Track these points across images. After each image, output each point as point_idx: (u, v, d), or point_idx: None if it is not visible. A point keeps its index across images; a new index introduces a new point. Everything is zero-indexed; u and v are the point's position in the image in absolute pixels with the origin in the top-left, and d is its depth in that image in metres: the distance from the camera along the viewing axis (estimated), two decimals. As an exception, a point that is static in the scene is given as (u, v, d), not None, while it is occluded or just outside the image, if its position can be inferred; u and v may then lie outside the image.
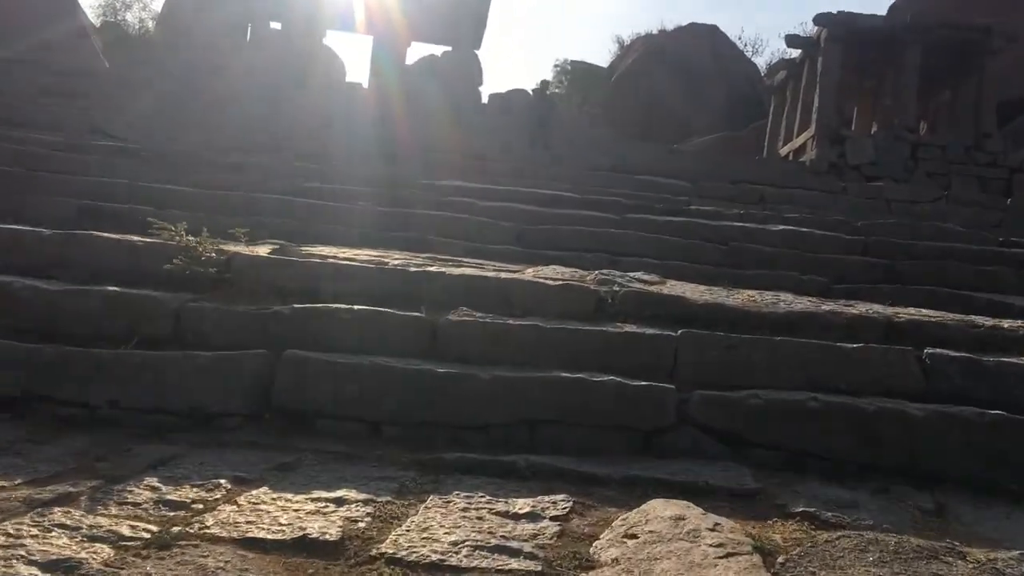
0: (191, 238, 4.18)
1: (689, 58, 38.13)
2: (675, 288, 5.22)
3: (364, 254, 6.05)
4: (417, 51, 35.80)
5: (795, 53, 23.59)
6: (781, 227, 8.62)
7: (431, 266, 5.19)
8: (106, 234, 4.36)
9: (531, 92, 17.03)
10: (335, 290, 4.22)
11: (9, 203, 7.44)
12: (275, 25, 34.33)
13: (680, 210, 9.19)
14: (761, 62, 42.25)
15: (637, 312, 4.33)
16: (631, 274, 6.20)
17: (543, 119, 15.87)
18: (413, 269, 4.65)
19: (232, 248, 4.57)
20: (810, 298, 5.98)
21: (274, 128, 13.90)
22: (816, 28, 21.07)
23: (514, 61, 74.44)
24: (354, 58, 72.36)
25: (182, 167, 9.03)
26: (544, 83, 17.21)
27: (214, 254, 4.16)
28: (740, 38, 43.01)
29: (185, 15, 33.40)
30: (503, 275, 4.45)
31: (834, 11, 20.00)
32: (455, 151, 13.36)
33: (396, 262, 5.74)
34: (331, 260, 4.48)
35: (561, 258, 7.40)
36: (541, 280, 4.35)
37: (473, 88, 34.40)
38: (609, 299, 4.42)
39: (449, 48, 36.69)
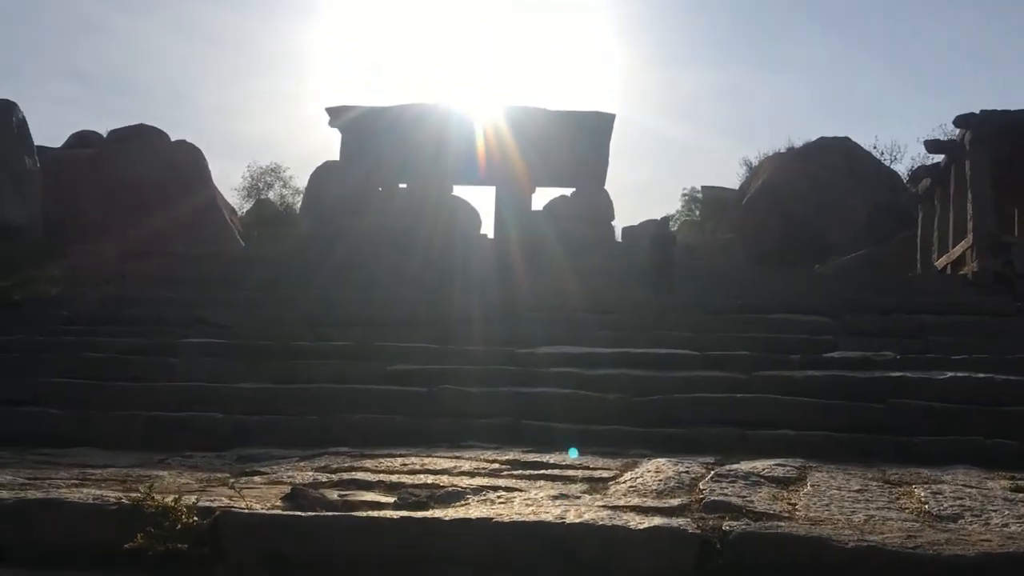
0: (167, 499, 3.28)
1: (822, 173, 36.53)
2: (817, 501, 3.91)
3: (430, 461, 5.06)
4: (545, 196, 35.86)
5: (937, 157, 21.90)
6: (950, 374, 7.08)
7: (493, 486, 4.12)
8: (74, 496, 3.55)
9: (650, 239, 16.03)
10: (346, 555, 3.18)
11: (70, 427, 6.94)
12: (402, 186, 35.34)
13: (822, 359, 7.80)
14: (901, 169, 40.04)
15: (756, 568, 3.08)
16: (760, 466, 4.91)
17: (661, 265, 14.80)
18: (432, 515, 3.57)
19: (226, 498, 3.65)
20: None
21: (388, 293, 13.47)
22: (959, 131, 19.42)
23: (646, 190, 74.45)
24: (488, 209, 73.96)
25: (263, 356, 8.44)
26: (664, 220, 16.24)
27: (196, 518, 3.22)
28: (875, 147, 41.00)
29: (319, 188, 34.95)
30: (570, 515, 3.32)
31: (975, 111, 18.37)
32: (573, 302, 12.47)
33: (464, 469, 4.71)
34: (342, 515, 3.40)
35: (675, 441, 6.19)
36: (621, 524, 3.20)
37: (601, 226, 33.94)
38: (717, 543, 3.19)
39: (569, 191, 36.71)
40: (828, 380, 7.07)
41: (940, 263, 20.45)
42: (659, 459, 5.29)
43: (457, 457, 5.31)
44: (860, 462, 5.79)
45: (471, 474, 4.68)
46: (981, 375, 7.00)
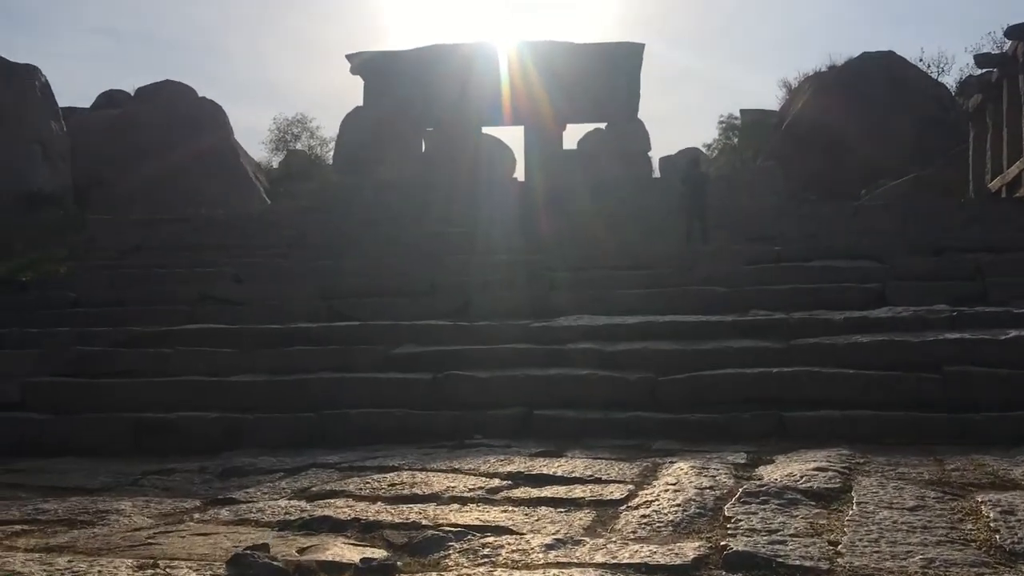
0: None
1: (866, 91, 34.86)
2: (863, 536, 3.25)
3: (423, 479, 4.48)
4: (577, 132, 34.96)
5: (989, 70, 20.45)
6: (1014, 332, 6.29)
7: (483, 525, 3.52)
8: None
9: (680, 179, 15.11)
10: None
11: (56, 432, 6.51)
12: (429, 129, 34.55)
13: (869, 320, 7.01)
14: (949, 81, 38.06)
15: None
16: (798, 471, 4.25)
17: (693, 210, 13.91)
18: None
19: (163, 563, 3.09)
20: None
21: (405, 258, 12.86)
22: (1011, 43, 18.02)
23: (684, 118, 72.49)
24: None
25: (265, 342, 7.91)
26: (694, 158, 15.29)
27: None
28: (921, 59, 38.95)
29: (347, 137, 34.34)
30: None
31: (1031, 19, 16.98)
32: (601, 257, 11.77)
33: (457, 491, 4.13)
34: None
35: (704, 429, 5.55)
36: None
37: (637, 161, 32.85)
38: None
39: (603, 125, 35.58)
40: (875, 346, 6.32)
41: (994, 185, 19.24)
42: (682, 463, 4.65)
43: (455, 471, 4.72)
44: (915, 449, 5.10)
45: (463, 501, 4.08)
46: (1048, 333, 6.20)
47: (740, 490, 3.96)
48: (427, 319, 8.83)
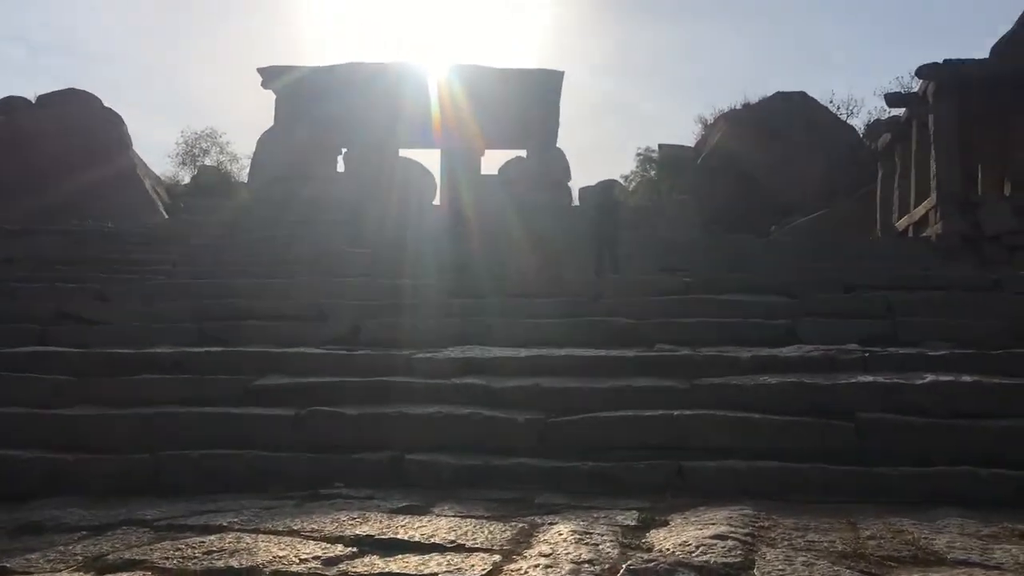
0: None
1: (779, 129, 35.45)
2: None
3: (250, 543, 3.69)
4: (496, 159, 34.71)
5: (897, 111, 20.75)
6: (930, 377, 5.83)
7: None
8: None
9: (593, 207, 14.66)
10: None
11: None
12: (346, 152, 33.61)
13: (778, 358, 6.49)
14: (858, 124, 39.01)
15: None
16: (694, 540, 3.61)
17: (604, 238, 13.42)
18: None
19: None
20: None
21: (300, 278, 11.98)
22: (921, 82, 18.24)
23: (604, 151, 73.01)
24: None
25: (114, 369, 6.96)
26: (607, 184, 14.85)
27: None
28: (831, 101, 39.84)
29: (259, 155, 33.10)
30: None
31: (939, 60, 17.16)
32: (501, 284, 11.14)
33: (283, 566, 3.35)
34: None
35: (594, 481, 4.89)
36: None
37: (556, 188, 32.50)
38: None
39: (523, 153, 35.22)
40: (784, 389, 5.78)
41: (901, 224, 19.41)
42: (563, 526, 3.97)
43: (293, 533, 3.93)
44: (826, 509, 4.52)
45: (288, 577, 3.31)
46: (967, 378, 5.75)
47: (624, 567, 3.30)
48: (307, 346, 8.04)
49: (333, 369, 6.68)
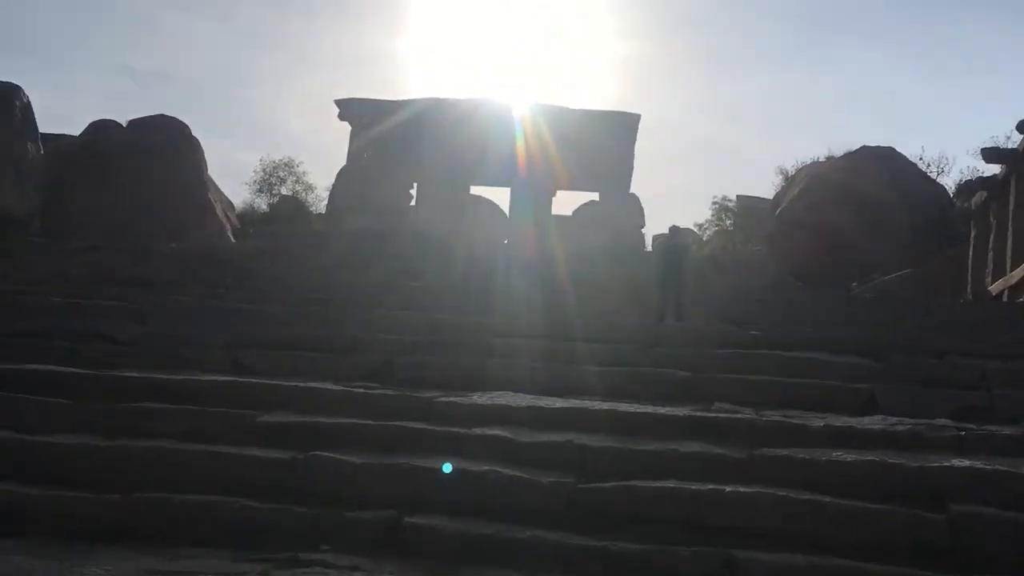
0: None
1: (863, 184, 34.00)
2: None
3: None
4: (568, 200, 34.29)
5: (991, 168, 19.44)
6: (1039, 463, 4.86)
7: None
8: None
9: (659, 252, 13.84)
10: None
11: None
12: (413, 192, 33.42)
13: (856, 431, 5.56)
14: (948, 183, 37.30)
15: None
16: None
17: (670, 283, 12.56)
18: None
19: None
20: None
21: (343, 302, 11.47)
22: (1021, 138, 16.98)
23: (681, 196, 71.92)
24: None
25: (117, 394, 6.41)
26: (675, 229, 14.01)
27: None
28: (921, 158, 38.17)
29: (339, 189, 33.23)
30: None
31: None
32: (560, 328, 10.39)
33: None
34: None
35: (627, 565, 4.08)
36: None
37: (627, 233, 31.72)
38: None
39: (596, 196, 34.59)
40: (862, 469, 4.87)
41: (995, 288, 18.00)
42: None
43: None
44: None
45: None
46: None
47: None
48: (330, 381, 7.43)
49: (345, 409, 6.01)
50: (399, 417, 5.84)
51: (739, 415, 5.89)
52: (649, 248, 30.36)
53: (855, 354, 9.09)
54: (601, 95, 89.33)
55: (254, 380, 6.57)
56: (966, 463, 4.88)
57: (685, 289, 12.76)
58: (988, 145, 20.21)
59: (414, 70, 73.64)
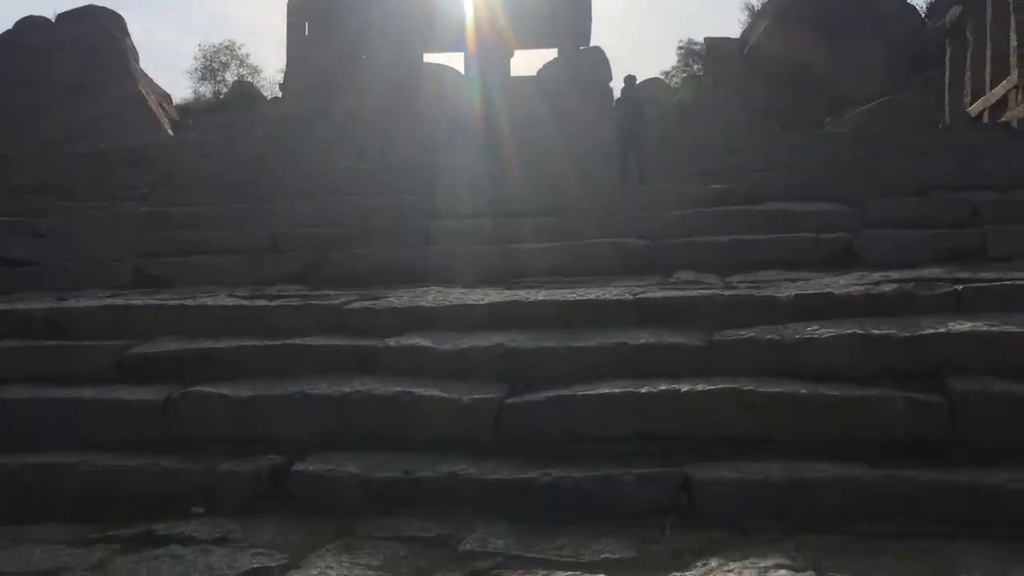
0: None
1: (832, 13, 32.41)
2: None
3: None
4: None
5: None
6: (1053, 320, 4.04)
7: None
8: None
9: (618, 107, 12.69)
10: None
11: None
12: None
13: (831, 299, 4.70)
14: (920, 3, 35.66)
15: None
16: None
17: (628, 141, 11.54)
18: None
19: None
20: None
21: (270, 195, 10.43)
22: (1001, -60, 15.63)
23: (650, 48, 69.40)
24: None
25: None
26: (630, 80, 12.82)
27: None
28: (890, -22, 36.34)
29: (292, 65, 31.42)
30: None
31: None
32: (511, 196, 9.45)
33: None
34: None
35: (559, 506, 3.31)
36: None
37: (592, 90, 30.32)
38: None
39: (555, 52, 32.93)
40: (842, 346, 4.04)
41: (975, 108, 17.04)
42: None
43: None
44: (913, 549, 2.89)
45: None
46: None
47: None
48: (248, 286, 6.58)
49: (239, 327, 5.11)
50: (302, 333, 4.95)
51: (697, 291, 5.03)
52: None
53: (829, 200, 8.25)
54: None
55: (136, 301, 5.61)
56: (966, 326, 4.06)
57: (644, 145, 11.76)
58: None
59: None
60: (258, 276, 7.40)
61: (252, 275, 7.43)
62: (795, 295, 4.68)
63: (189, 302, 5.44)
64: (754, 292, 4.83)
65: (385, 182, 11.44)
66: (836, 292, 4.67)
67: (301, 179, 12.08)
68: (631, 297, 4.90)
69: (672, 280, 6.24)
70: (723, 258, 6.99)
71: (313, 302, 5.32)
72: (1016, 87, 14.58)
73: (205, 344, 4.84)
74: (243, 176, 13.02)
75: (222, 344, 4.80)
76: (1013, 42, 14.75)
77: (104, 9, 30.71)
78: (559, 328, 4.74)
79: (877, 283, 4.95)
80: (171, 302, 5.49)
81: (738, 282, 5.90)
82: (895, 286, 4.71)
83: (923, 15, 33.76)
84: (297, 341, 4.76)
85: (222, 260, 7.83)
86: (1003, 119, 14.94)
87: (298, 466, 3.71)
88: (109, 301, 5.80)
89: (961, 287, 4.58)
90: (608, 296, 4.97)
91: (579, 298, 4.98)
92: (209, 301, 5.53)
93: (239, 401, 4.17)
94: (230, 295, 5.90)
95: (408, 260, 7.37)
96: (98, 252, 8.27)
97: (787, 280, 5.74)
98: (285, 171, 13.02)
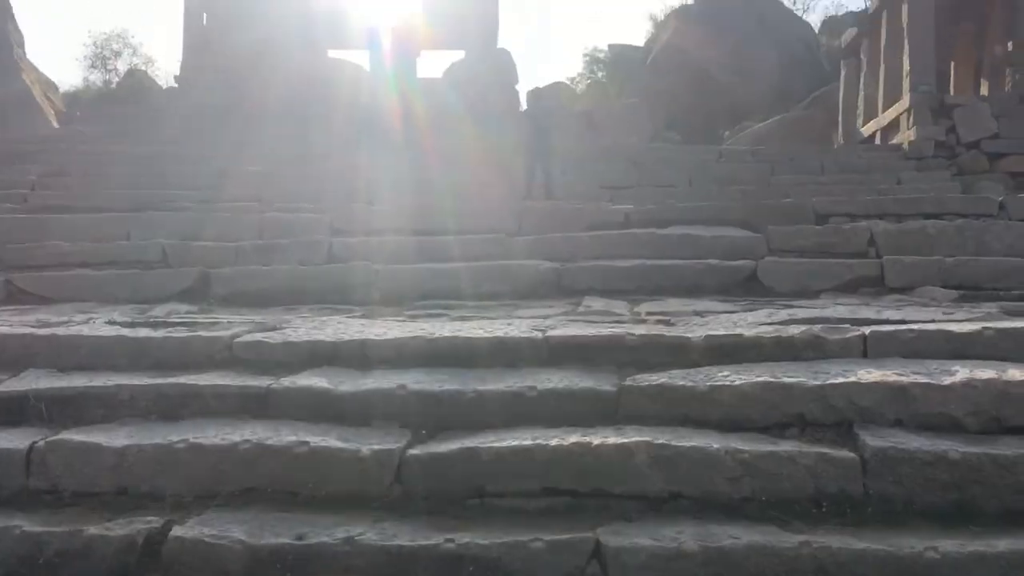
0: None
1: (731, 26, 33.25)
2: None
3: None
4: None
5: (858, 3, 18.75)
6: (960, 371, 4.05)
7: None
8: None
9: (526, 118, 12.57)
10: None
11: None
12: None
13: (740, 342, 4.62)
14: (814, 20, 36.99)
15: None
16: None
17: (536, 154, 11.45)
18: None
19: None
20: None
21: (163, 199, 9.87)
22: (894, -32, 16.17)
23: (555, 51, 69.76)
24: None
25: None
26: (535, 93, 12.73)
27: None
28: (786, -5, 37.58)
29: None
30: None
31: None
32: (416, 210, 9.18)
33: None
34: None
35: (458, 569, 3.10)
36: None
37: (504, 90, 30.11)
38: None
39: (462, 53, 32.63)
40: (753, 395, 3.97)
41: (868, 130, 17.63)
42: None
43: None
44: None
45: None
46: (1013, 371, 4.00)
47: None
48: (129, 304, 6.17)
49: (117, 361, 4.71)
50: (188, 368, 4.60)
51: (608, 328, 4.89)
52: (524, 106, 29.01)
53: (732, 224, 8.31)
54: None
55: (1, 328, 5.13)
56: (875, 375, 4.03)
57: (552, 158, 11.68)
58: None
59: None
60: (144, 294, 6.97)
61: (138, 293, 7.00)
62: (706, 336, 4.59)
63: (61, 331, 4.99)
64: (664, 332, 4.73)
65: (291, 189, 11.03)
66: (746, 334, 4.60)
67: (200, 182, 11.52)
68: (540, 335, 4.73)
69: (581, 309, 6.12)
70: (630, 283, 6.95)
71: (202, 333, 4.95)
72: (907, 110, 15.13)
73: (78, 381, 4.43)
74: (135, 178, 12.36)
75: (97, 382, 4.40)
76: (906, 67, 15.28)
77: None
78: (465, 367, 4.54)
79: (785, 323, 4.93)
80: (41, 330, 5.03)
81: (647, 313, 5.83)
82: (803, 327, 4.68)
83: (816, 31, 34.97)
84: (182, 380, 4.40)
85: (106, 274, 7.35)
86: (894, 141, 15.48)
87: (177, 531, 3.39)
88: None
89: (868, 331, 4.57)
90: (517, 333, 4.78)
91: (487, 335, 4.78)
92: (85, 329, 5.10)
93: (113, 451, 3.81)
94: (109, 322, 5.46)
95: (307, 280, 7.05)
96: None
97: (695, 312, 5.69)
98: (180, 174, 12.42)
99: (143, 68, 40.09)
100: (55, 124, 23.29)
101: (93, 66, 39.93)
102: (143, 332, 5.05)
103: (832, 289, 6.79)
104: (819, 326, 4.70)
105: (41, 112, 23.19)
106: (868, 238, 7.62)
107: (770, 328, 4.74)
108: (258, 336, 4.93)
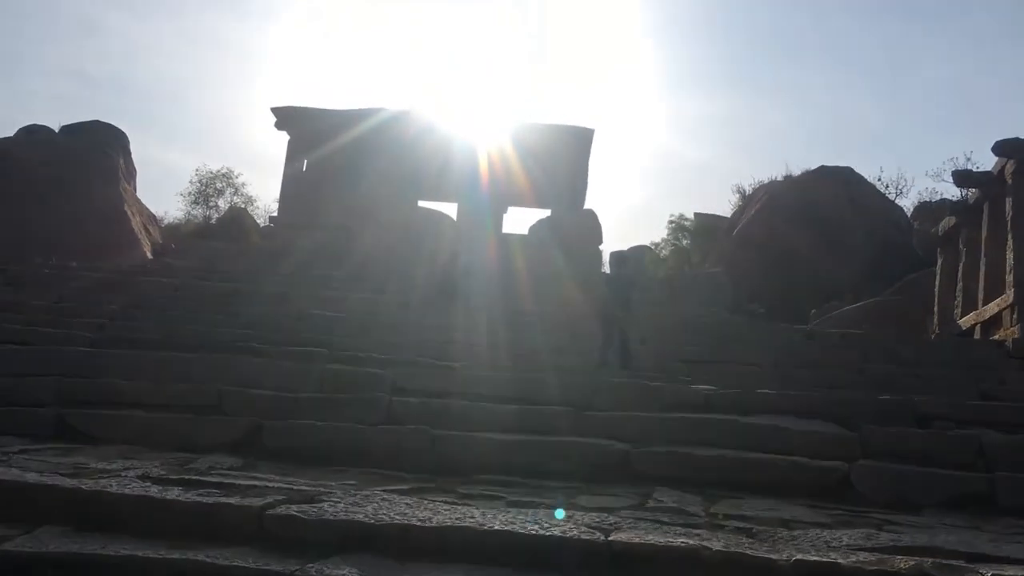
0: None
1: (821, 205, 33.10)
2: None
3: None
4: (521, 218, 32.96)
5: (951, 190, 18.35)
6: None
7: None
8: None
9: (606, 283, 12.32)
10: None
11: None
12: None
13: (834, 569, 3.98)
14: (907, 204, 36.59)
15: None
16: None
17: (615, 321, 11.07)
18: None
19: None
20: None
21: (230, 340, 9.75)
22: (997, 160, 15.78)
23: (642, 214, 70.96)
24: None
25: None
26: (620, 257, 12.49)
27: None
28: (879, 179, 37.48)
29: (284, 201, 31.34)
30: None
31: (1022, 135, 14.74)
32: (486, 372, 8.81)
33: None
34: None
35: None
36: None
37: (580, 252, 30.22)
38: None
39: (548, 212, 33.11)
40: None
41: (966, 322, 16.79)
42: None
43: None
44: None
45: None
46: None
47: None
48: (177, 451, 5.83)
49: (138, 525, 4.31)
50: (212, 539, 4.16)
51: (681, 537, 4.30)
52: (606, 268, 28.94)
53: (823, 418, 7.64)
54: (559, 111, 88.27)
55: (28, 477, 4.82)
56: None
57: (631, 328, 11.26)
58: (946, 167, 19.05)
59: (354, 79, 71.67)
60: (193, 442, 6.66)
61: (187, 439, 6.70)
62: (795, 561, 3.96)
63: (86, 485, 4.65)
64: (747, 550, 4.11)
65: (362, 339, 10.85)
66: (843, 563, 3.95)
67: (275, 323, 11.47)
68: (603, 538, 4.17)
69: (650, 504, 5.53)
70: (707, 475, 6.33)
71: (233, 501, 4.54)
72: (1011, 306, 14.37)
73: (91, 547, 4.03)
74: (211, 316, 12.40)
75: (110, 550, 3.99)
76: (1010, 261, 14.64)
77: (108, 125, 30.86)
78: (515, 568, 3.99)
79: (887, 551, 4.26)
80: (67, 481, 4.70)
81: (724, 516, 5.21)
82: (910, 561, 4.00)
83: (909, 215, 34.48)
84: (200, 557, 3.95)
85: (157, 417, 7.08)
86: (995, 337, 14.66)
87: None
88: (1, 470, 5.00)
89: (989, 575, 3.87)
90: (576, 533, 4.23)
91: (543, 533, 4.24)
92: (113, 485, 4.74)
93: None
94: (143, 475, 5.12)
95: (359, 441, 6.65)
96: (20, 392, 7.52)
97: (780, 522, 5.05)
98: (257, 315, 12.43)
99: (243, 206, 41.94)
100: (149, 255, 24.13)
101: (195, 202, 41.89)
102: (173, 493, 4.67)
103: (936, 505, 6.02)
104: (929, 561, 4.01)
105: (137, 242, 24.12)
106: (977, 447, 6.87)
107: (871, 557, 4.08)
108: (292, 510, 4.48)
